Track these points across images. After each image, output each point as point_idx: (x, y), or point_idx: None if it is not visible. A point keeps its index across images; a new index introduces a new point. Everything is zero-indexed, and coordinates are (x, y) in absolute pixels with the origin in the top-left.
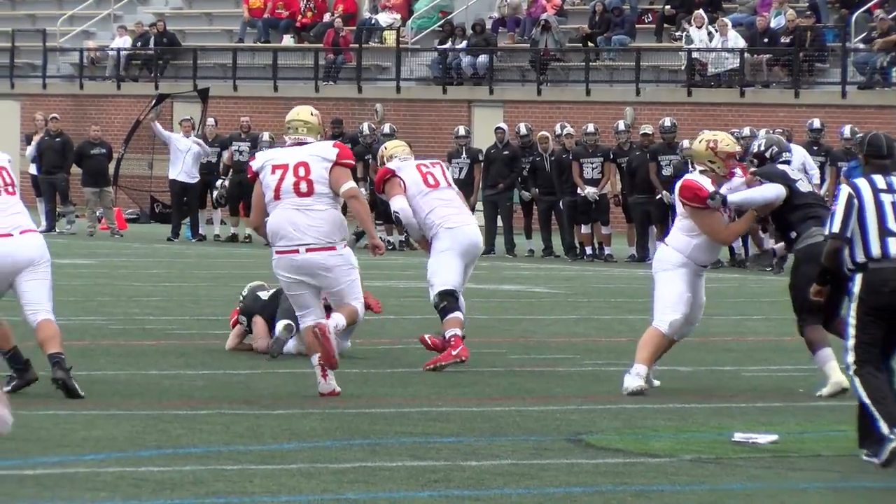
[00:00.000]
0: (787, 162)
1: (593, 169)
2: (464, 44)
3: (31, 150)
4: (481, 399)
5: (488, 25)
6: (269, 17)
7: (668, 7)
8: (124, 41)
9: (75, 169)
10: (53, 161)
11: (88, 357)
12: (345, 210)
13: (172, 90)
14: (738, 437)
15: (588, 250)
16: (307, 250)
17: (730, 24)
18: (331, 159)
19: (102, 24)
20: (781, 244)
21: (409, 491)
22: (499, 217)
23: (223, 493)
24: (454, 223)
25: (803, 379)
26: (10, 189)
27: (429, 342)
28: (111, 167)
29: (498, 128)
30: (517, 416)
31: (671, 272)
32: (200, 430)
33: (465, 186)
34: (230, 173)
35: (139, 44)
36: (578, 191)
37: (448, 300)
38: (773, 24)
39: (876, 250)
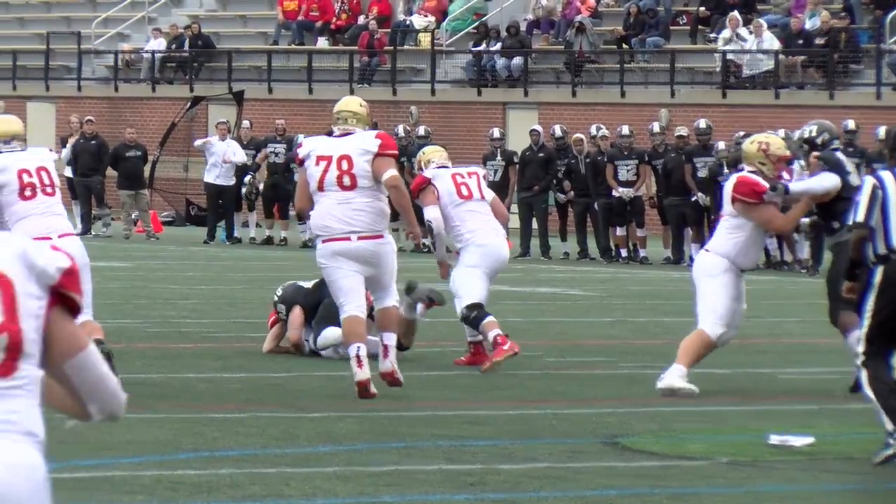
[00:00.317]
0: (836, 149)
1: (628, 171)
2: (498, 46)
3: (66, 152)
4: (517, 402)
5: (523, 27)
6: (303, 19)
7: (702, 9)
8: (159, 43)
9: (111, 171)
10: (89, 164)
11: (125, 360)
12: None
13: (207, 93)
14: (773, 439)
15: (623, 252)
16: (358, 238)
17: (765, 25)
18: (373, 151)
19: (137, 26)
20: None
21: (445, 494)
22: (534, 219)
23: (259, 496)
24: (483, 240)
25: (838, 381)
26: (48, 190)
27: (465, 361)
28: (146, 170)
29: (533, 130)
30: (553, 418)
31: (716, 279)
32: (237, 432)
33: (500, 188)
34: (259, 170)
35: (174, 46)
36: (613, 192)
37: (477, 310)
38: (807, 26)
39: None
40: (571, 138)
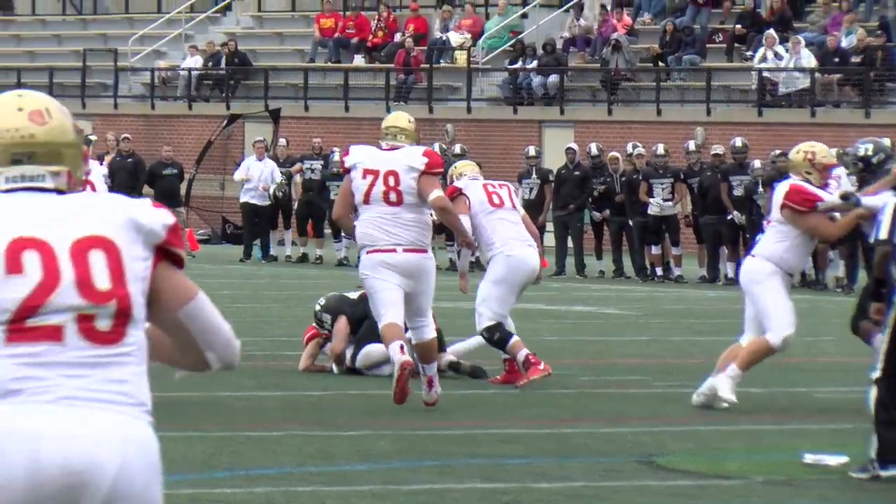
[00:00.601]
0: (889, 168)
1: (663, 189)
2: (534, 63)
3: (102, 170)
4: (552, 420)
5: (559, 45)
6: (340, 37)
7: (738, 26)
8: (195, 61)
9: (147, 189)
10: (125, 181)
11: (161, 378)
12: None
13: (244, 110)
14: (808, 458)
15: (658, 271)
16: (403, 250)
17: (803, 42)
18: (419, 168)
19: (174, 43)
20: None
21: None
22: (569, 237)
23: None
24: (513, 251)
25: None
26: None
27: (500, 380)
28: (183, 188)
29: (568, 148)
30: (588, 437)
31: (768, 283)
32: (273, 451)
33: (535, 207)
34: (292, 180)
35: (210, 64)
36: (649, 209)
37: (498, 331)
38: (843, 44)
39: None
40: (607, 157)
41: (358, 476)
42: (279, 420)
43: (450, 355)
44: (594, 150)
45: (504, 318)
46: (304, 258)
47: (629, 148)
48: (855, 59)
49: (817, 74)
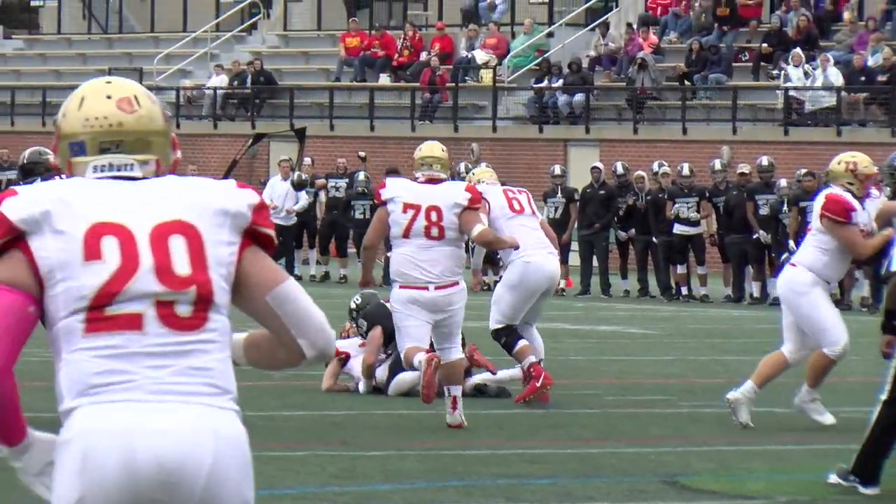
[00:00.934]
0: None
1: (689, 208)
2: (560, 82)
3: None
4: (576, 440)
5: (585, 64)
6: (365, 56)
7: (764, 45)
8: (221, 80)
9: None
10: None
11: None
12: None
13: (269, 129)
14: (833, 478)
15: (684, 290)
16: (435, 288)
17: (831, 60)
18: (463, 204)
19: (199, 62)
20: None
21: None
22: (594, 257)
23: None
24: (531, 256)
25: None
26: None
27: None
28: None
29: (594, 167)
30: (612, 457)
31: (812, 295)
32: (296, 471)
33: (560, 225)
34: (318, 199)
35: (236, 83)
36: (675, 228)
37: (506, 336)
38: (869, 63)
39: None
40: (633, 175)
41: (382, 496)
42: (302, 439)
43: (476, 378)
44: (620, 169)
45: (514, 321)
46: (326, 277)
47: (655, 167)
48: (881, 78)
49: (843, 93)
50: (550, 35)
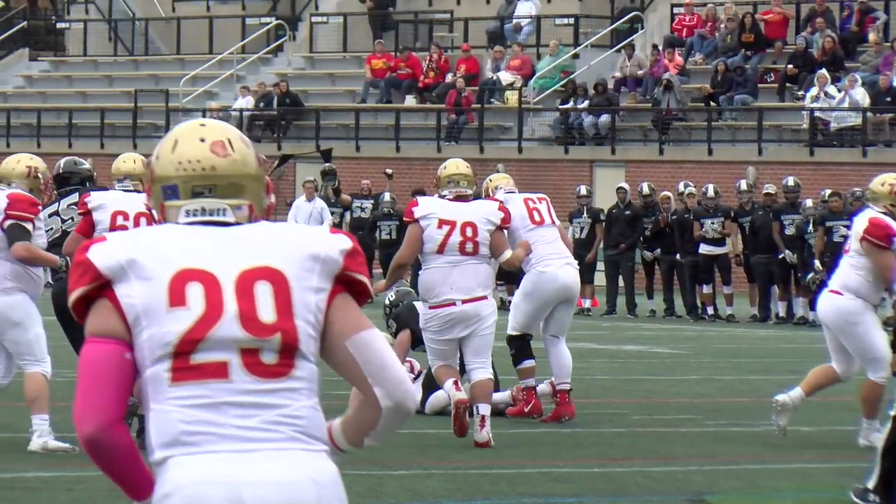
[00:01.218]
0: None
1: (713, 228)
2: (586, 103)
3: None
4: (602, 459)
5: (610, 85)
6: (391, 77)
7: (790, 66)
8: (247, 101)
9: None
10: None
11: None
12: None
13: (295, 151)
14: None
15: (710, 310)
16: (463, 302)
17: (859, 80)
18: (495, 223)
19: (225, 84)
20: None
21: None
22: (620, 277)
23: None
24: (546, 266)
25: None
26: None
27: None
28: None
29: (619, 187)
30: (639, 476)
31: (866, 322)
32: None
33: (586, 246)
34: (344, 219)
35: (262, 104)
36: (701, 248)
37: (518, 349)
38: (895, 83)
39: None
40: (659, 196)
41: None
42: None
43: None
44: (645, 190)
45: (529, 330)
46: None
47: (680, 187)
48: None
49: (869, 114)
50: (576, 56)
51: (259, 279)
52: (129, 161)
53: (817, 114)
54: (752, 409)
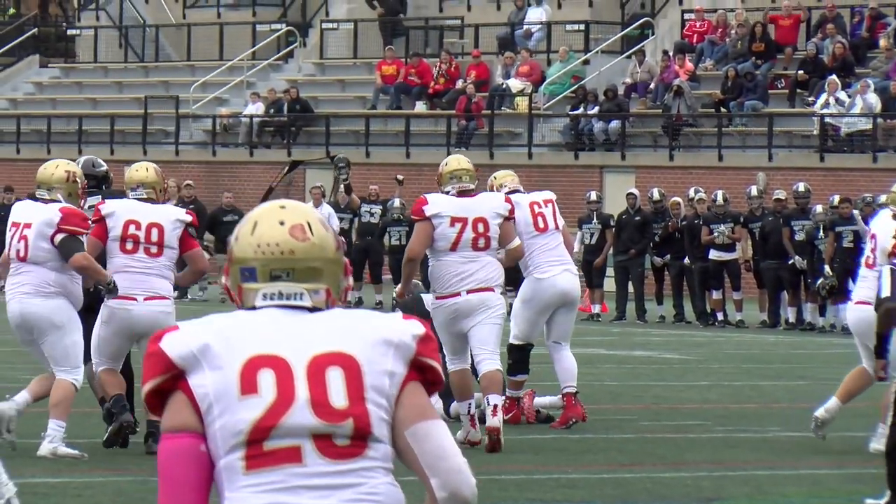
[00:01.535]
0: None
1: (723, 234)
2: (596, 109)
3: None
4: (611, 465)
5: (620, 91)
6: (401, 83)
7: (800, 72)
8: (257, 108)
9: (208, 236)
10: None
11: None
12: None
13: (305, 157)
14: (869, 503)
15: (719, 316)
16: (468, 292)
17: (872, 86)
18: (504, 215)
19: (235, 90)
20: None
21: None
22: (629, 282)
23: None
24: (544, 273)
25: None
26: (152, 249)
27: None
28: None
29: (630, 193)
30: (647, 482)
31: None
32: None
33: (596, 252)
34: (353, 225)
35: (272, 111)
36: (710, 253)
37: (516, 360)
38: None
39: None
40: (669, 202)
41: None
42: None
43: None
44: (655, 195)
45: (530, 338)
46: (360, 303)
47: (690, 193)
48: None
49: (879, 119)
50: (586, 62)
51: (331, 364)
52: (142, 170)
53: (827, 119)
54: (761, 415)
